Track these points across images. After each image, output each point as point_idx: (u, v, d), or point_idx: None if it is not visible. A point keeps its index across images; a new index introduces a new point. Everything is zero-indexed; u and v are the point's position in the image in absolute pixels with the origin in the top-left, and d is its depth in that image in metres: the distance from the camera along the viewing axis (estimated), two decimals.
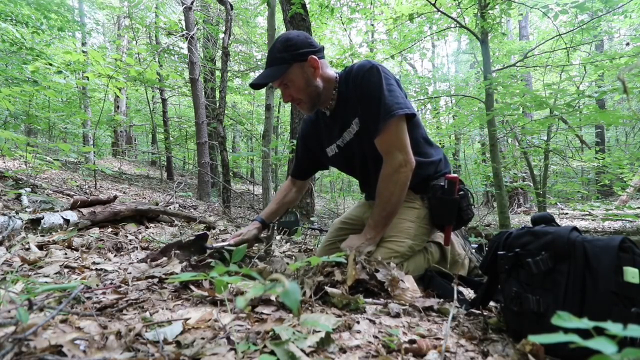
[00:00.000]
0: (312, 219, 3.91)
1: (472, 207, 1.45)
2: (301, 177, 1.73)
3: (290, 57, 1.29)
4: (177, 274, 1.16)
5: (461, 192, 1.39)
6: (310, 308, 0.93)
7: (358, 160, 1.49)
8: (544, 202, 5.05)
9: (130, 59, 4.56)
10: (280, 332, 0.72)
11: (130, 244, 1.74)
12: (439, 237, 1.55)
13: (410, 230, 1.39)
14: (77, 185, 4.39)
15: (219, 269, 0.80)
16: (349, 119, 1.40)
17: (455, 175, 1.38)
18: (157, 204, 2.83)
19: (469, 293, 1.30)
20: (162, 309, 0.90)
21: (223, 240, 1.54)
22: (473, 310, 1.02)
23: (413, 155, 1.33)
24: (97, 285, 1.05)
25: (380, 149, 1.32)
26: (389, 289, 1.11)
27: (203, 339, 0.72)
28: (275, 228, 1.98)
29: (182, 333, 0.75)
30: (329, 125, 1.50)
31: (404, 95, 1.33)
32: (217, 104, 6.47)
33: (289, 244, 2.24)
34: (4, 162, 4.67)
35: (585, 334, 0.36)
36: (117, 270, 1.27)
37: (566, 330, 0.38)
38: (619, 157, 5.46)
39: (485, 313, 0.99)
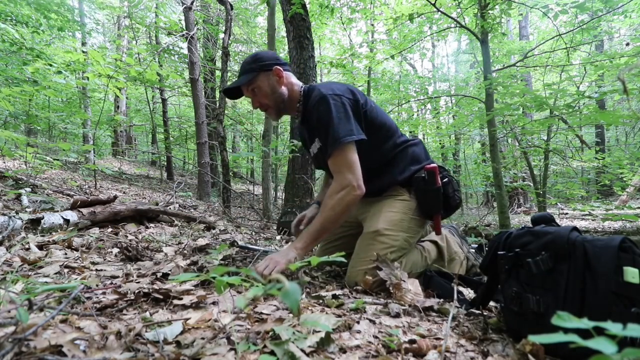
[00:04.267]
0: None
1: (458, 192, 1.48)
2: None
3: (257, 67, 1.43)
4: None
5: (445, 180, 1.43)
6: (310, 308, 0.93)
7: (328, 170, 1.61)
8: (544, 202, 5.05)
9: (130, 59, 4.56)
10: (280, 332, 0.72)
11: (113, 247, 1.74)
12: (434, 236, 1.58)
13: (403, 222, 1.41)
14: (77, 185, 4.39)
15: (219, 269, 0.80)
16: (313, 136, 1.51)
17: (434, 165, 1.42)
18: (157, 204, 2.83)
19: (469, 293, 1.30)
20: (162, 309, 0.90)
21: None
22: (473, 310, 1.02)
23: (389, 163, 1.44)
24: (97, 285, 1.05)
25: (331, 170, 1.38)
26: (391, 289, 1.11)
27: (203, 339, 0.72)
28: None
29: (182, 333, 0.75)
30: (304, 131, 1.63)
31: (357, 119, 1.38)
32: (217, 104, 6.47)
33: (289, 244, 2.24)
34: (4, 162, 4.66)
35: (585, 334, 0.36)
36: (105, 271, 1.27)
37: (566, 330, 0.38)
38: (619, 157, 5.46)
39: (485, 313, 0.99)
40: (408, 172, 1.47)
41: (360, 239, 1.43)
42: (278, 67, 1.45)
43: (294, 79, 1.52)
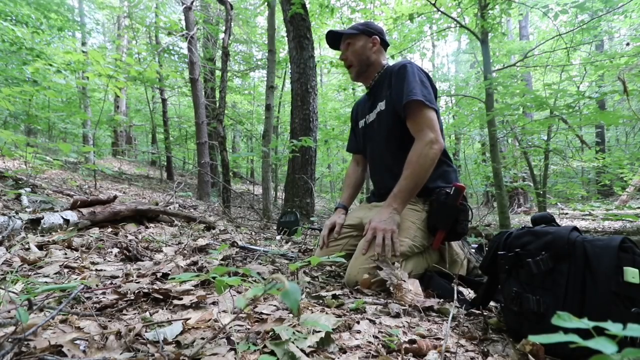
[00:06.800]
0: (312, 219, 3.91)
1: (469, 223, 1.48)
2: (358, 149, 1.88)
3: (362, 28, 1.65)
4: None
5: (463, 206, 1.42)
6: (310, 308, 0.93)
7: (376, 141, 1.67)
8: (544, 202, 5.05)
9: (130, 58, 4.56)
10: (280, 332, 0.72)
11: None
12: None
13: (410, 230, 1.41)
14: (77, 185, 4.39)
15: (219, 269, 0.80)
16: (377, 101, 1.64)
17: (463, 185, 1.43)
18: (157, 204, 2.83)
19: (469, 293, 1.30)
20: (162, 309, 0.90)
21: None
22: (473, 310, 1.02)
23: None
24: (97, 285, 1.05)
25: (411, 130, 1.47)
26: (391, 289, 1.11)
27: (203, 339, 0.72)
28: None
29: (182, 333, 0.75)
30: (365, 102, 1.78)
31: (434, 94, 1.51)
32: (217, 104, 6.47)
33: (289, 244, 2.24)
34: (4, 162, 4.66)
35: (585, 334, 0.36)
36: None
37: (566, 330, 0.38)
38: (619, 157, 5.46)
39: (485, 313, 0.99)
40: (433, 184, 1.48)
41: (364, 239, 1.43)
42: (377, 38, 1.64)
43: (384, 55, 1.69)
